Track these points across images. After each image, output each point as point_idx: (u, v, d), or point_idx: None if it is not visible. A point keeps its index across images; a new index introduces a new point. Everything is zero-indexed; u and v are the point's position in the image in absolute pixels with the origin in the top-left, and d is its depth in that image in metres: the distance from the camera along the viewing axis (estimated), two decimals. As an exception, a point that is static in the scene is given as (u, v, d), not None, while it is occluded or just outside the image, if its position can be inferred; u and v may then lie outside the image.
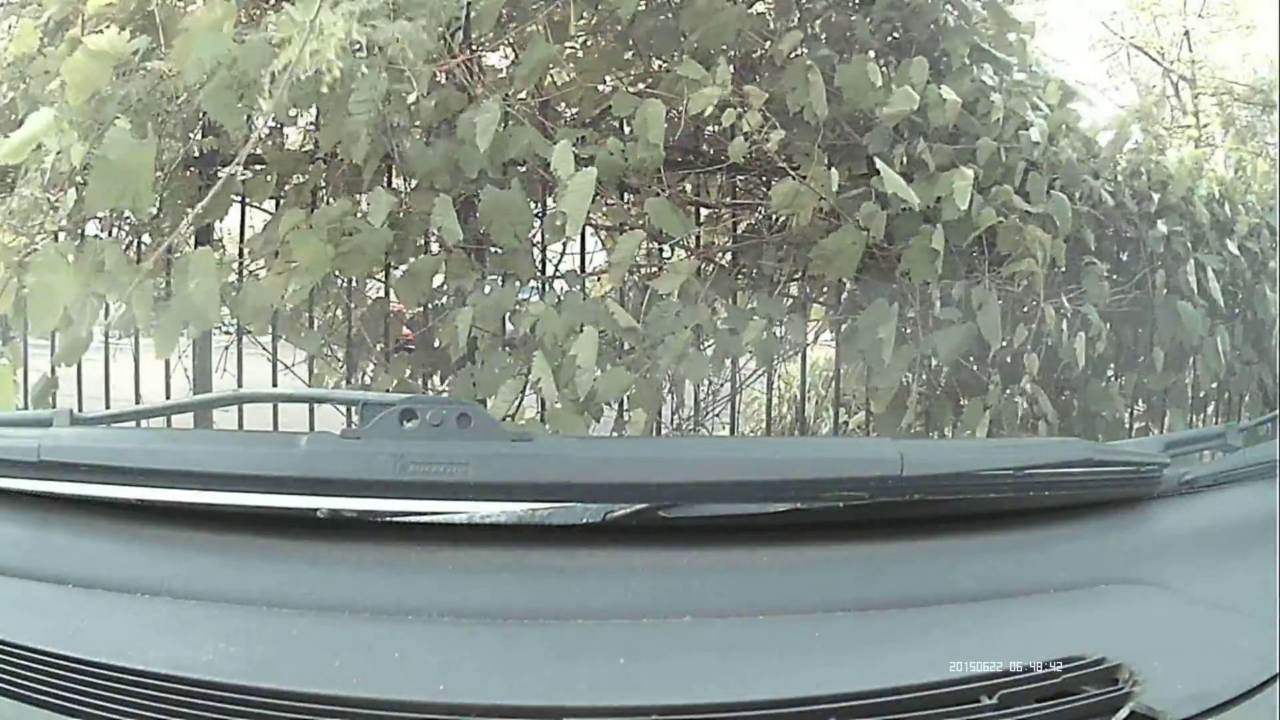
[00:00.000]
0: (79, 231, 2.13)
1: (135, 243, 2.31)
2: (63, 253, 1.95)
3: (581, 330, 2.04)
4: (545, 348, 2.05)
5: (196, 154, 2.24)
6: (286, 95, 1.63)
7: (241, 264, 2.36)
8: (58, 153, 1.76)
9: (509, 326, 2.27)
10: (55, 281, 1.90)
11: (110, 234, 2.21)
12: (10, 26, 2.22)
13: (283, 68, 1.60)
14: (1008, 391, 2.35)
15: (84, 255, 1.97)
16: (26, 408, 2.13)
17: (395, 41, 1.66)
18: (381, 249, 2.09)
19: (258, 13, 2.11)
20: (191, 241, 2.39)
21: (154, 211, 2.20)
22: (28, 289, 1.93)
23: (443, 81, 2.12)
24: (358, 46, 1.63)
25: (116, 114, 1.83)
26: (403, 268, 2.25)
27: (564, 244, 2.48)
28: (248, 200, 2.41)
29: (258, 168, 2.34)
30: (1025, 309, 2.40)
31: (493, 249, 2.27)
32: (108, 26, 1.88)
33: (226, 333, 2.44)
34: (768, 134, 2.13)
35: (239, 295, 2.16)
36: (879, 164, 2.14)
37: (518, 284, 2.25)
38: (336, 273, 2.19)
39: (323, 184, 2.34)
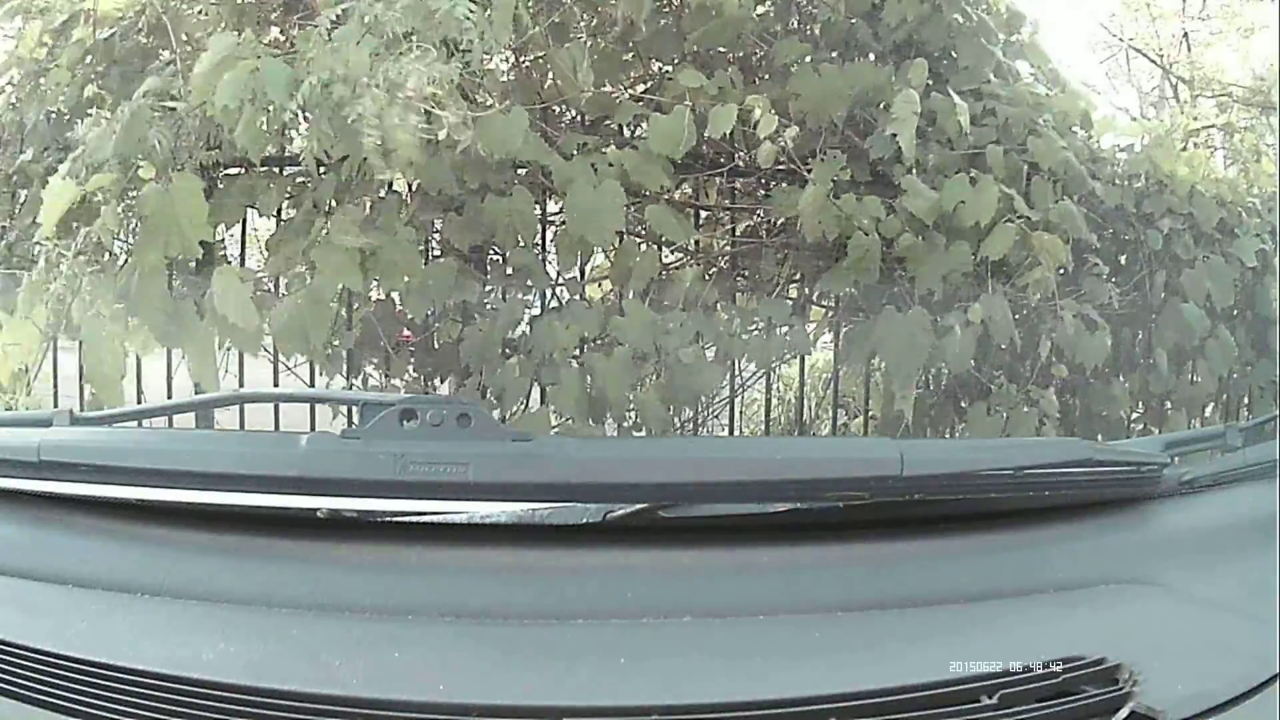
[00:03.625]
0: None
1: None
2: (106, 310, 1.97)
3: (594, 341, 2.05)
4: (557, 360, 2.07)
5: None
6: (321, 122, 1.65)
7: (248, 270, 2.34)
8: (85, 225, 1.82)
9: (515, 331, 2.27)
10: (111, 346, 1.95)
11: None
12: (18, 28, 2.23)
13: (308, 92, 1.63)
14: (1016, 388, 2.35)
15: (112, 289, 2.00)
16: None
17: (431, 83, 1.66)
18: (414, 258, 2.10)
19: (268, 23, 2.12)
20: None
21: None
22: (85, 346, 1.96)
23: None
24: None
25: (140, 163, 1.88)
26: (408, 276, 2.25)
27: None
28: (254, 205, 2.39)
29: (263, 169, 2.33)
30: (1028, 313, 2.40)
31: (493, 254, 2.28)
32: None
33: None
34: (781, 133, 2.13)
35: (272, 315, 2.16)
36: (902, 177, 2.14)
37: (521, 293, 2.25)
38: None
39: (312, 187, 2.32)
